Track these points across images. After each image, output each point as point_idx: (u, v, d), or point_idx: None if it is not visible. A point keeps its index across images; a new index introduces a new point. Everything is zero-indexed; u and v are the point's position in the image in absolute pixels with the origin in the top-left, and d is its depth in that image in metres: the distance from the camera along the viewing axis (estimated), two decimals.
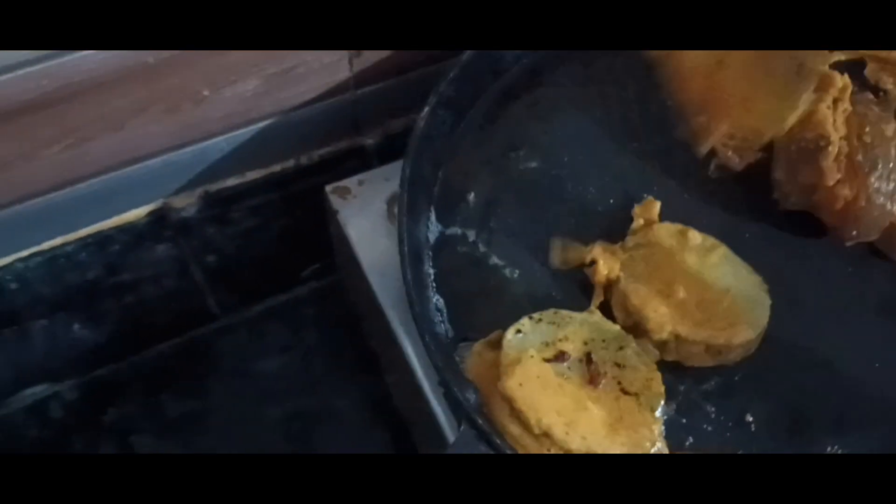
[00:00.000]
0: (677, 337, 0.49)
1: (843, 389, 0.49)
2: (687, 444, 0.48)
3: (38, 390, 0.74)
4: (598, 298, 0.51)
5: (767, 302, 0.50)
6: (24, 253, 0.64)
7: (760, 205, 0.55)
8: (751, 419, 0.48)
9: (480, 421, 0.45)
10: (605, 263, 0.50)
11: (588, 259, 0.51)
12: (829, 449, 0.47)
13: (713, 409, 0.49)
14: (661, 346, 0.49)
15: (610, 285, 0.51)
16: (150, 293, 0.71)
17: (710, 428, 0.48)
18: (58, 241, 0.65)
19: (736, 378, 0.50)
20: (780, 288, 0.51)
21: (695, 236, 0.52)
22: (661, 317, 0.49)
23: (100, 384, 0.74)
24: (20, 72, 0.51)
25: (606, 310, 0.51)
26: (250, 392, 0.73)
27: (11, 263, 0.64)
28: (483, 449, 0.45)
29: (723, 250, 0.52)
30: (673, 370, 0.49)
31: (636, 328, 0.50)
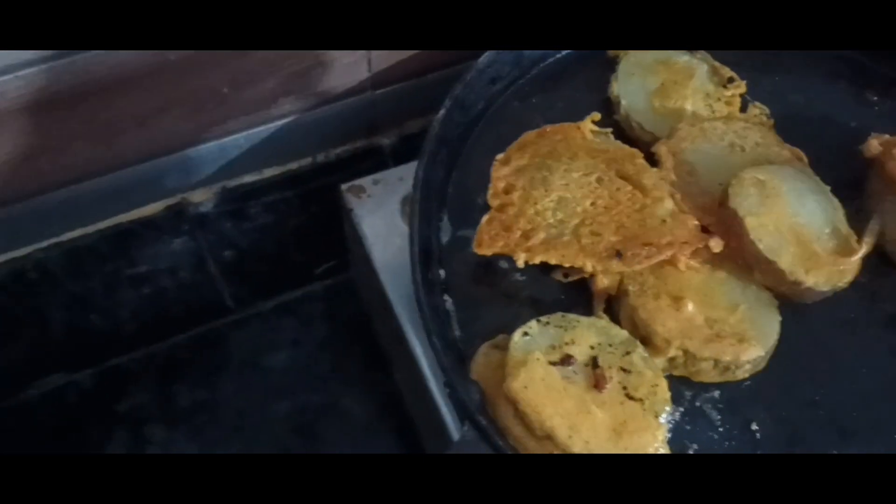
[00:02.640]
0: (685, 352, 0.49)
1: (849, 401, 0.49)
2: (691, 450, 0.48)
3: (55, 378, 0.75)
4: (599, 307, 0.51)
5: (777, 318, 0.50)
6: (45, 243, 0.66)
7: None
8: (756, 428, 0.48)
9: (483, 421, 0.46)
10: (604, 275, 0.51)
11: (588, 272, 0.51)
12: None
13: (718, 416, 0.49)
14: (670, 361, 0.49)
15: (613, 297, 0.51)
16: (166, 286, 0.72)
17: (714, 435, 0.48)
18: (77, 232, 0.66)
19: (742, 387, 0.50)
20: (789, 300, 0.51)
21: None
22: (669, 332, 0.49)
23: (115, 374, 0.75)
24: (45, 65, 0.53)
25: (615, 318, 0.51)
26: (260, 385, 0.74)
27: (31, 253, 0.66)
28: (485, 449, 0.45)
29: (733, 265, 0.51)
30: (679, 377, 0.50)
31: (644, 342, 0.49)
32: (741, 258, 0.51)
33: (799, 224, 0.51)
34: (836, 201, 0.52)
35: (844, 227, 0.52)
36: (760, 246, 0.50)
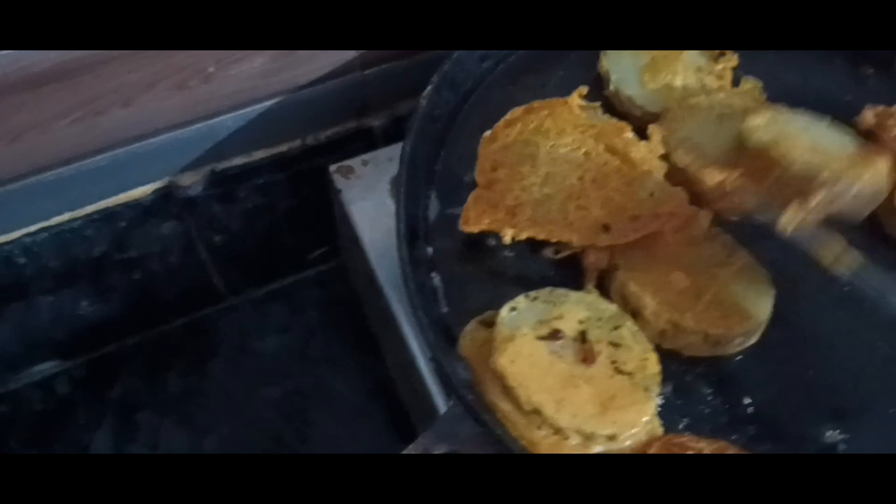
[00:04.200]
0: (675, 326, 0.48)
1: (841, 377, 0.48)
2: (681, 425, 0.47)
3: (45, 366, 0.74)
4: (590, 282, 0.50)
5: (771, 292, 0.49)
6: (32, 228, 0.65)
7: None
8: (748, 401, 0.48)
9: (470, 396, 0.45)
10: (595, 250, 0.50)
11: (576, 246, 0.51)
12: (827, 433, 0.47)
13: (710, 391, 0.48)
14: (659, 334, 0.48)
15: (604, 272, 0.51)
16: (155, 270, 0.72)
17: (706, 409, 0.48)
18: (65, 216, 0.65)
19: (734, 362, 0.49)
20: (783, 274, 0.50)
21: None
22: (658, 305, 0.48)
23: (105, 360, 0.75)
24: None
25: (605, 295, 0.50)
26: (251, 371, 0.74)
27: (19, 238, 0.65)
28: (471, 424, 0.44)
29: (725, 239, 0.51)
30: (669, 351, 0.49)
31: (634, 316, 0.49)
32: (779, 199, 0.49)
33: (822, 144, 0.51)
34: (841, 123, 0.53)
35: (860, 139, 0.53)
36: (797, 167, 0.49)
